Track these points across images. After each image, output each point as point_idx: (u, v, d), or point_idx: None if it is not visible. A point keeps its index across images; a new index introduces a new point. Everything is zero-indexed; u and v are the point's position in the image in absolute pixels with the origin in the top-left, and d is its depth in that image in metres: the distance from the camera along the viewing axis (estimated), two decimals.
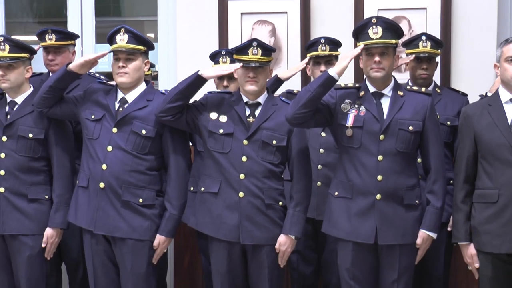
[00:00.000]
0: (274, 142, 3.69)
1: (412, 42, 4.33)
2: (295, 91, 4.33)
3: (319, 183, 4.13)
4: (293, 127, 3.68)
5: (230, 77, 4.10)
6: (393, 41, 3.58)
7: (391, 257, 3.61)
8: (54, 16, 8.49)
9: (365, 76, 3.69)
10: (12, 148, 3.91)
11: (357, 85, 3.71)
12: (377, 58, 3.55)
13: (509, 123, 3.48)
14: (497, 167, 3.45)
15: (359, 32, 3.62)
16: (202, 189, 3.76)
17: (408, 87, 3.74)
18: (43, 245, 3.94)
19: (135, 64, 3.78)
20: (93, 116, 3.81)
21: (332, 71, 3.53)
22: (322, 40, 4.31)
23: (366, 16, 4.57)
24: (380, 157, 3.56)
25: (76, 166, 4.01)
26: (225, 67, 3.88)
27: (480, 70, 4.73)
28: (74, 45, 4.54)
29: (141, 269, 3.78)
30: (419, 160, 3.76)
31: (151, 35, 7.32)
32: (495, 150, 3.46)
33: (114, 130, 3.77)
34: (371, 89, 3.64)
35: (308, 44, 4.44)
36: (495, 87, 4.01)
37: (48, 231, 3.94)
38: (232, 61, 3.99)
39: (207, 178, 3.75)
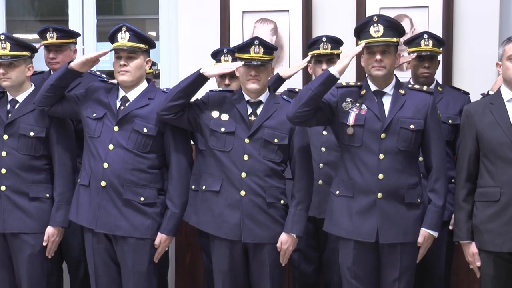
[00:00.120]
0: (275, 140, 3.69)
1: (414, 41, 4.33)
2: (297, 90, 4.33)
3: (320, 181, 4.13)
4: (295, 126, 3.68)
5: (231, 75, 4.10)
6: (395, 39, 3.57)
7: (393, 255, 3.61)
8: (56, 15, 8.50)
9: (366, 75, 3.69)
10: (13, 146, 3.90)
11: (358, 83, 3.71)
12: (378, 57, 3.55)
13: (511, 122, 3.47)
14: (499, 166, 3.45)
15: (361, 31, 3.62)
16: (204, 187, 3.75)
17: (409, 86, 3.74)
18: (44, 244, 3.94)
19: (136, 63, 3.78)
20: (94, 115, 3.81)
21: (333, 70, 3.53)
22: (324, 39, 4.31)
23: (368, 14, 4.56)
24: (381, 156, 3.56)
25: (77, 164, 4.01)
26: (227, 65, 3.88)
27: (482, 68, 4.72)
28: (76, 43, 4.53)
29: (143, 268, 3.78)
30: (420, 158, 3.76)
31: (153, 33, 7.32)
32: (497, 148, 3.46)
33: (116, 128, 3.77)
34: (373, 87, 3.64)
35: (309, 43, 4.44)
36: (497, 85, 4.01)
37: (49, 230, 3.94)
38: (234, 59, 3.99)
39: (208, 177, 3.75)
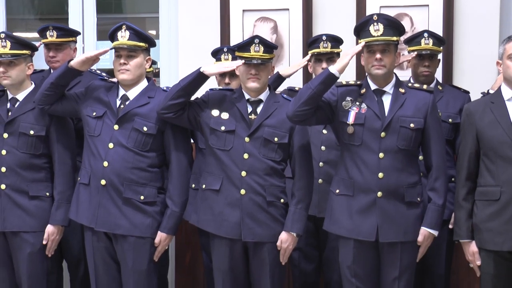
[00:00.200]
0: (276, 139, 3.68)
1: (414, 39, 4.33)
2: (297, 88, 4.33)
3: (320, 180, 4.12)
4: (295, 124, 3.67)
5: (232, 74, 4.10)
6: (395, 38, 3.57)
7: (393, 254, 3.61)
8: (56, 13, 8.49)
9: (366, 74, 3.68)
10: (13, 145, 3.90)
11: (358, 82, 3.71)
12: (378, 56, 3.54)
13: None
14: (499, 165, 3.45)
15: (360, 29, 3.62)
16: (204, 186, 3.75)
17: (409, 84, 3.74)
18: (44, 242, 3.94)
19: (136, 61, 3.78)
20: (94, 113, 3.81)
21: (333, 69, 3.53)
22: (324, 37, 4.31)
23: (368, 13, 4.56)
24: (381, 155, 3.56)
25: (77, 163, 4.01)
26: (227, 64, 3.88)
27: (482, 67, 4.72)
28: (75, 42, 4.53)
29: (142, 266, 3.78)
30: (420, 157, 3.76)
31: (153, 32, 7.31)
32: (497, 147, 3.45)
33: (116, 127, 3.77)
34: (373, 86, 3.64)
35: (309, 41, 4.43)
36: (497, 84, 4.00)
37: (49, 228, 3.94)
38: (234, 58, 3.98)
39: (208, 175, 3.74)
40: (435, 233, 3.64)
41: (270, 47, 3.72)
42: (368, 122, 3.58)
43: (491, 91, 3.98)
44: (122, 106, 3.80)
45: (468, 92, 4.38)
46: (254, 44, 3.66)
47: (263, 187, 3.67)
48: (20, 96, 3.97)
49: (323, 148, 4.18)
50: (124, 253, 3.77)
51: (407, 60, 4.35)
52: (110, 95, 3.83)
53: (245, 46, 3.69)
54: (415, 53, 4.27)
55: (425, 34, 4.29)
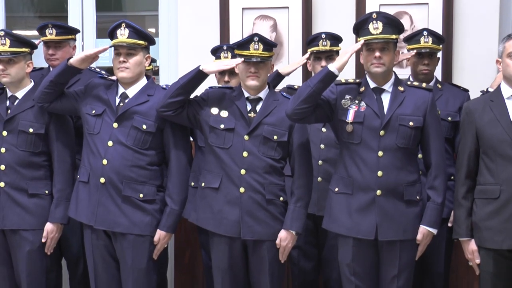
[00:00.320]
0: (275, 137, 3.68)
1: (414, 38, 4.33)
2: (296, 87, 4.33)
3: (319, 178, 4.12)
4: (294, 123, 3.67)
5: (231, 72, 4.10)
6: (394, 36, 3.57)
7: (392, 253, 3.61)
8: (55, 11, 8.49)
9: (365, 72, 3.68)
10: (13, 142, 3.90)
11: (357, 80, 3.71)
12: (377, 54, 3.54)
13: (511, 119, 3.47)
14: (499, 163, 3.45)
15: (360, 28, 3.61)
16: (203, 184, 3.75)
17: (408, 83, 3.73)
18: (43, 240, 3.94)
19: (136, 59, 3.77)
20: (93, 111, 3.81)
21: (332, 67, 3.52)
22: (323, 35, 4.30)
23: (368, 11, 4.55)
24: (380, 153, 3.56)
25: (76, 161, 4.01)
26: (226, 62, 3.88)
27: (481, 65, 4.72)
28: (75, 39, 4.53)
29: (142, 265, 3.78)
30: (420, 155, 3.76)
31: (152, 30, 7.31)
32: (497, 146, 3.45)
33: (115, 125, 3.77)
34: (372, 84, 3.64)
35: (309, 39, 4.43)
36: (496, 82, 4.00)
37: (49, 226, 3.93)
38: (234, 56, 3.99)
39: (208, 174, 3.74)
40: (434, 231, 3.64)
41: (270, 45, 3.72)
42: (367, 120, 3.58)
43: (491, 90, 3.98)
44: (121, 104, 3.80)
45: (467, 91, 4.38)
46: (253, 42, 3.66)
47: (262, 185, 3.67)
48: (20, 94, 3.97)
49: (322, 146, 4.18)
50: (123, 251, 3.77)
51: (406, 58, 4.35)
52: (110, 93, 3.83)
53: (244, 44, 3.69)
54: (415, 51, 4.27)
55: (425, 32, 4.29)
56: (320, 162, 4.16)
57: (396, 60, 3.68)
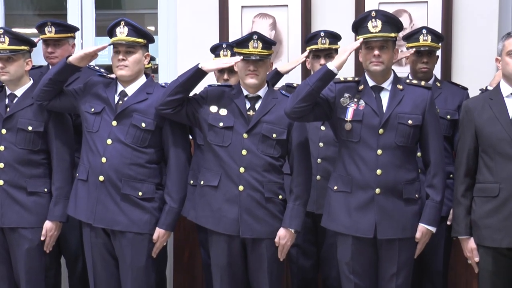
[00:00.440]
0: (274, 135, 3.68)
1: (413, 36, 4.32)
2: (295, 85, 4.32)
3: (318, 177, 4.12)
4: (293, 121, 3.67)
5: (230, 70, 4.09)
6: (393, 34, 3.57)
7: (391, 251, 3.61)
8: (54, 9, 8.49)
9: (364, 70, 3.68)
10: (12, 140, 3.90)
11: (356, 78, 3.70)
12: (376, 52, 3.54)
13: (510, 117, 3.47)
14: (498, 161, 3.45)
15: (359, 26, 3.61)
16: (202, 182, 3.75)
17: (407, 81, 3.73)
18: (42, 238, 3.94)
19: (135, 57, 3.77)
20: (92, 109, 3.81)
21: (331, 65, 3.52)
22: (322, 34, 4.30)
23: (367, 9, 4.54)
24: (379, 151, 3.55)
25: (75, 159, 4.01)
26: (226, 60, 3.88)
27: (481, 64, 4.72)
28: (74, 37, 4.52)
29: (141, 263, 3.78)
30: (418, 154, 3.76)
31: (152, 28, 7.30)
32: (496, 144, 3.45)
33: (114, 123, 3.77)
34: (371, 83, 3.63)
35: (307, 38, 4.43)
36: (495, 81, 4.00)
37: (47, 224, 3.93)
38: (233, 54, 3.98)
39: (207, 172, 3.74)
40: (433, 229, 3.64)
41: (269, 43, 3.72)
42: (366, 118, 3.57)
43: (490, 88, 3.98)
44: (120, 102, 3.80)
45: (466, 89, 4.38)
46: (252, 40, 3.66)
47: (261, 183, 3.66)
48: (19, 92, 3.97)
49: (321, 144, 4.18)
50: (122, 249, 3.77)
51: (405, 56, 4.35)
52: (109, 91, 3.83)
53: (243, 42, 3.68)
54: (414, 49, 4.27)
55: (424, 31, 4.29)
56: (319, 160, 4.16)
57: (395, 59, 3.67)
